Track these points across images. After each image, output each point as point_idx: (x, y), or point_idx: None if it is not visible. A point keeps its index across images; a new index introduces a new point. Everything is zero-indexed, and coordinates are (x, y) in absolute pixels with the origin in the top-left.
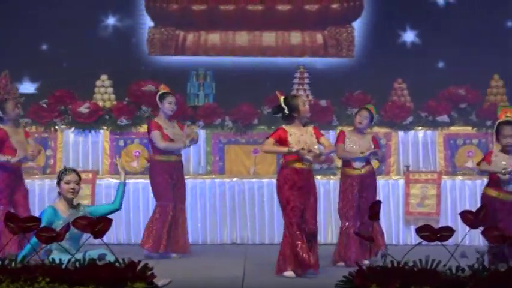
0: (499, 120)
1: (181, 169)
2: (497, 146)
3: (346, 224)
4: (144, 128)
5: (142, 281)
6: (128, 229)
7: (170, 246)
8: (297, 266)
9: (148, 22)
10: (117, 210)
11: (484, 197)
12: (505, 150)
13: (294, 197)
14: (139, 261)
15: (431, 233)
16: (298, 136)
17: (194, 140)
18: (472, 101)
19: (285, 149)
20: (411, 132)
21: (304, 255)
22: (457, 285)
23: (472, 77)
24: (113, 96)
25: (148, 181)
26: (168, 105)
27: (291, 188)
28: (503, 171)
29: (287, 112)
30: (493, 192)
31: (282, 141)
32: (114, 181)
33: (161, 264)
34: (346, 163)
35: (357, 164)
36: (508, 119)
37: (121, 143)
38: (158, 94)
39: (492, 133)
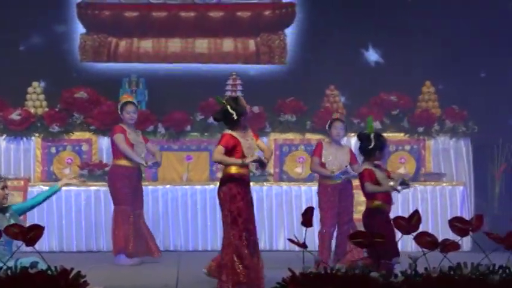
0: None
1: (140, 176)
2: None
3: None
4: (76, 135)
5: None
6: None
7: (139, 252)
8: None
9: (80, 29)
10: (39, 204)
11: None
12: (332, 144)
13: (245, 209)
14: (72, 269)
15: (364, 239)
16: (244, 142)
17: (158, 163)
18: (404, 107)
19: (238, 161)
20: (344, 139)
21: (244, 275)
22: None
23: (405, 83)
24: (44, 103)
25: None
26: (127, 115)
27: (242, 199)
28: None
29: (235, 117)
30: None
31: (232, 148)
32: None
33: (93, 271)
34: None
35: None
36: (337, 117)
37: (53, 150)
38: (120, 104)
39: (424, 138)
